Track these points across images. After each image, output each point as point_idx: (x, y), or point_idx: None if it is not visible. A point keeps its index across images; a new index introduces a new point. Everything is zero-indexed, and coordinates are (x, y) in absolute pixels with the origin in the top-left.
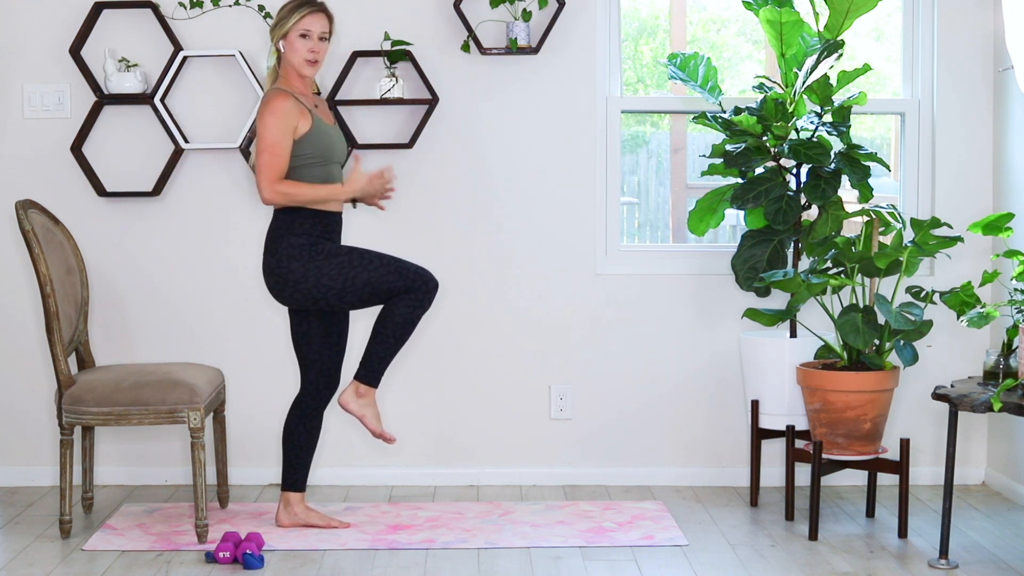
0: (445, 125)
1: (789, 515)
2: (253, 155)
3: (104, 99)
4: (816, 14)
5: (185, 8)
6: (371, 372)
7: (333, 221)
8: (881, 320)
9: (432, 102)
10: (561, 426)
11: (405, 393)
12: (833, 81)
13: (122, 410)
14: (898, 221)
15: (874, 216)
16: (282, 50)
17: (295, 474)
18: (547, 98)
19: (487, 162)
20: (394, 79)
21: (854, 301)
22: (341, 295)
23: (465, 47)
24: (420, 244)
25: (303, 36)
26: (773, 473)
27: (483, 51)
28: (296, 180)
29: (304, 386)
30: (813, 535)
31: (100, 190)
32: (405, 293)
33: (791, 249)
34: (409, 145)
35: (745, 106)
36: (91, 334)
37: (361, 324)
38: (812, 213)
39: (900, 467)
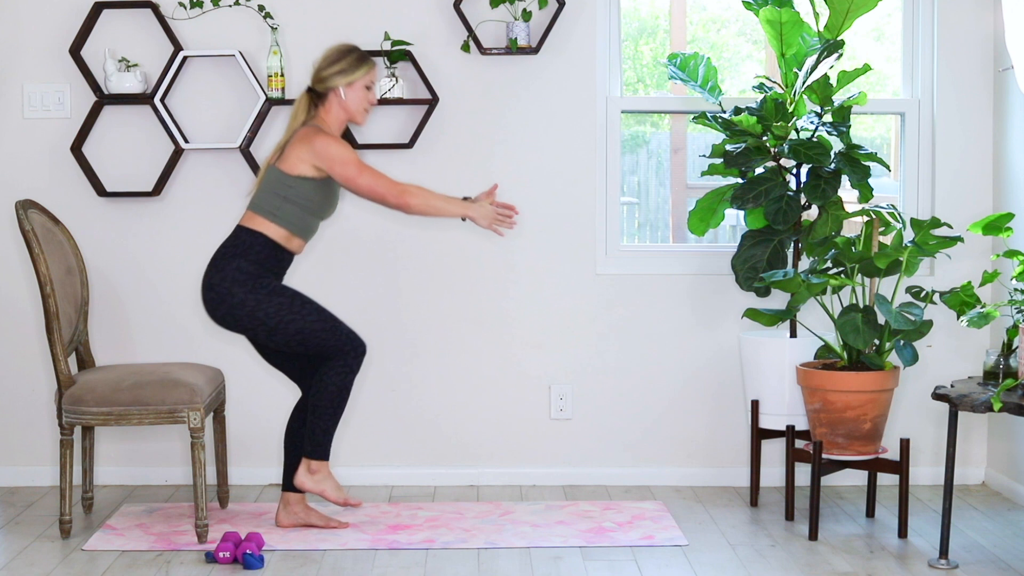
0: (445, 125)
1: (789, 515)
2: (263, 168)
3: (104, 99)
4: (816, 14)
5: (185, 8)
6: (318, 447)
7: (286, 259)
8: (881, 320)
9: (432, 102)
10: (561, 426)
11: (405, 393)
12: (833, 81)
13: (122, 410)
14: (898, 221)
15: (874, 216)
16: (343, 96)
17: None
18: (547, 98)
19: (487, 162)
20: (394, 79)
21: (854, 301)
22: (271, 333)
23: (465, 47)
24: (420, 244)
25: (368, 88)
26: (773, 473)
27: (483, 51)
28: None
29: (304, 391)
30: (813, 535)
31: (100, 190)
32: (333, 356)
33: (791, 249)
34: (409, 145)
35: (745, 106)
36: (91, 334)
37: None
38: (812, 213)
39: (900, 467)
